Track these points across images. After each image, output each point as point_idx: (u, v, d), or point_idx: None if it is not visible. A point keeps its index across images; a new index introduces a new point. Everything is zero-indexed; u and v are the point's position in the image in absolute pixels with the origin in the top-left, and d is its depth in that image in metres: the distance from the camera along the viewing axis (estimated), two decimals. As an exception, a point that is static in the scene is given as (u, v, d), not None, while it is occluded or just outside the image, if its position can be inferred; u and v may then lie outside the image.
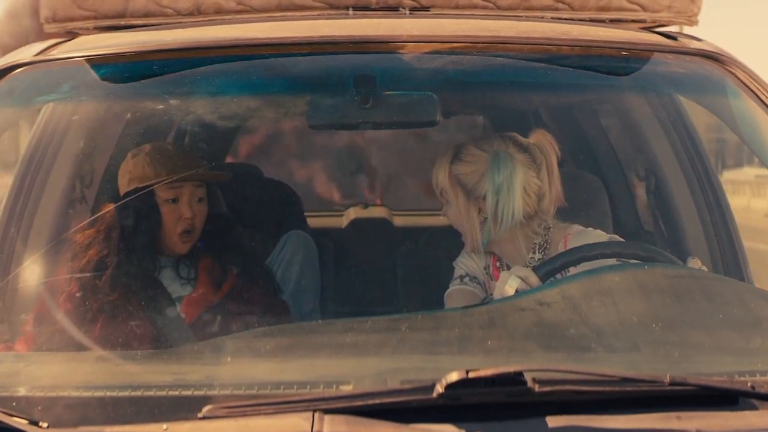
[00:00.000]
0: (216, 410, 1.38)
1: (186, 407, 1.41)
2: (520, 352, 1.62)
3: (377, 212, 3.91)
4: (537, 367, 1.43)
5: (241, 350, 1.64)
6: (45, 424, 1.38)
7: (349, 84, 2.29)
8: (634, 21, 2.38)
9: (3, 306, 2.16)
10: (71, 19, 2.29)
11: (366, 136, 4.12)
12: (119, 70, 2.15)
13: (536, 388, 1.36)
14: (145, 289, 2.22)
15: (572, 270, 2.02)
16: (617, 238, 2.23)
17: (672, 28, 2.46)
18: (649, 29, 2.39)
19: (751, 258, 2.74)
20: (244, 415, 1.38)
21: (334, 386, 1.48)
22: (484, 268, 2.32)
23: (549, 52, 2.13)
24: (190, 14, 2.29)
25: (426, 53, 2.08)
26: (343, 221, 3.85)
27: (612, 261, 2.00)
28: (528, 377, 1.36)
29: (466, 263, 2.32)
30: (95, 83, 2.14)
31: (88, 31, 2.31)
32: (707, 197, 2.81)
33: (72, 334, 2.00)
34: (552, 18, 2.32)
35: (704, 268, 2.19)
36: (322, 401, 1.39)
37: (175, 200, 2.29)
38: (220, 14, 2.29)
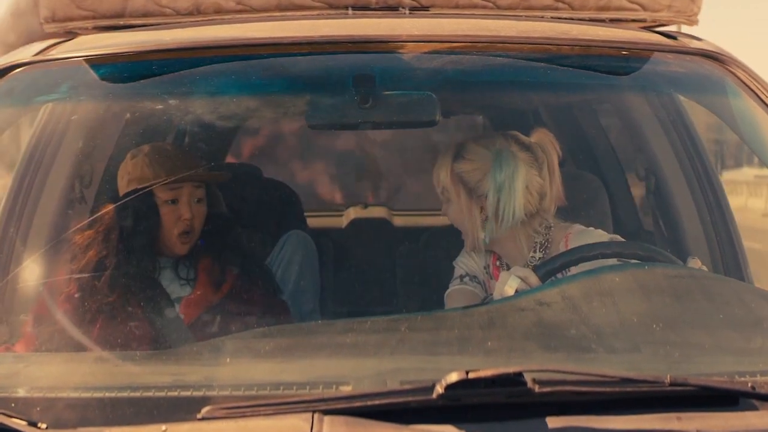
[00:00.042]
0: (215, 411, 1.37)
1: (185, 408, 1.40)
2: (520, 352, 1.61)
3: (377, 212, 3.91)
4: (537, 367, 1.43)
5: (240, 351, 1.64)
6: (44, 425, 1.38)
7: (349, 84, 2.29)
8: (634, 20, 2.38)
9: (2, 307, 2.16)
10: (70, 19, 2.29)
11: (369, 137, 4.12)
12: (118, 70, 2.15)
13: (536, 388, 1.36)
14: (145, 289, 2.22)
15: (572, 270, 2.02)
16: (618, 238, 2.23)
17: (671, 28, 2.46)
18: (649, 29, 2.38)
19: (749, 257, 2.74)
20: (243, 416, 1.37)
21: (334, 387, 1.48)
22: (484, 268, 2.31)
23: (549, 52, 2.13)
24: (190, 14, 2.29)
25: (425, 53, 2.08)
26: (343, 221, 3.85)
27: (612, 261, 2.00)
28: (528, 378, 1.36)
29: (466, 263, 2.32)
30: (94, 83, 2.14)
31: (87, 30, 2.30)
32: (707, 197, 2.80)
33: (71, 334, 2.00)
34: (552, 17, 2.31)
35: (704, 268, 2.19)
36: (321, 402, 1.38)
37: (174, 201, 2.28)
38: (219, 14, 2.29)
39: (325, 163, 4.04)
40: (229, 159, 3.64)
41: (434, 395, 1.34)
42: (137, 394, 1.46)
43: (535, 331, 1.64)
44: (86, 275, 2.16)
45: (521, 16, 2.31)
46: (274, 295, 2.39)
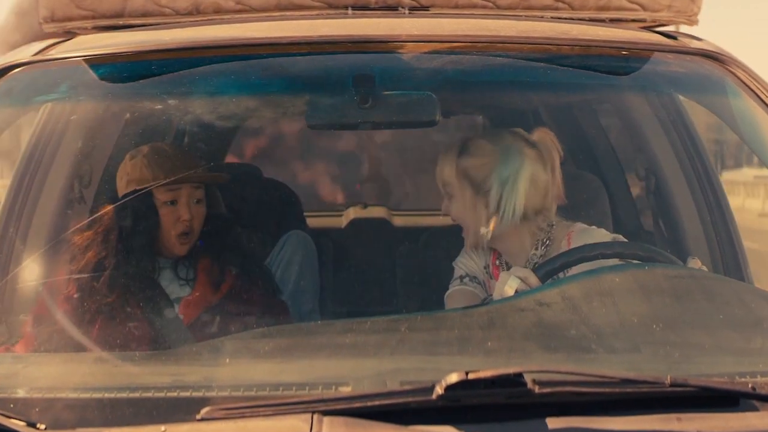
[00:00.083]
0: (214, 412, 1.37)
1: (184, 409, 1.40)
2: (520, 353, 1.61)
3: (376, 212, 3.90)
4: (537, 368, 1.43)
5: (239, 351, 1.63)
6: (43, 426, 1.38)
7: (348, 84, 2.29)
8: (634, 20, 2.38)
9: (1, 307, 2.16)
10: (69, 19, 2.29)
11: (369, 137, 4.11)
12: (118, 69, 2.14)
13: (536, 389, 1.36)
14: (144, 290, 2.21)
15: (572, 270, 2.02)
16: (620, 237, 2.22)
17: (671, 28, 2.46)
18: (649, 29, 2.38)
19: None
20: (242, 416, 1.37)
21: (333, 387, 1.48)
22: (484, 268, 2.31)
23: (549, 52, 2.13)
24: (189, 14, 2.28)
25: (425, 53, 2.08)
26: (343, 221, 3.85)
27: (612, 261, 2.00)
28: (528, 378, 1.36)
29: (465, 263, 2.31)
30: (94, 83, 2.13)
31: (86, 30, 2.30)
32: (707, 197, 2.80)
33: (70, 335, 1.99)
34: (552, 17, 2.31)
35: (704, 268, 2.18)
36: (320, 403, 1.38)
37: (173, 202, 2.28)
38: (218, 14, 2.29)
39: (325, 163, 4.04)
40: (229, 158, 3.63)
41: (434, 396, 1.34)
42: (136, 394, 1.46)
43: (535, 332, 1.64)
44: (85, 276, 2.15)
45: (521, 16, 2.31)
46: (273, 296, 2.39)
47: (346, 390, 1.47)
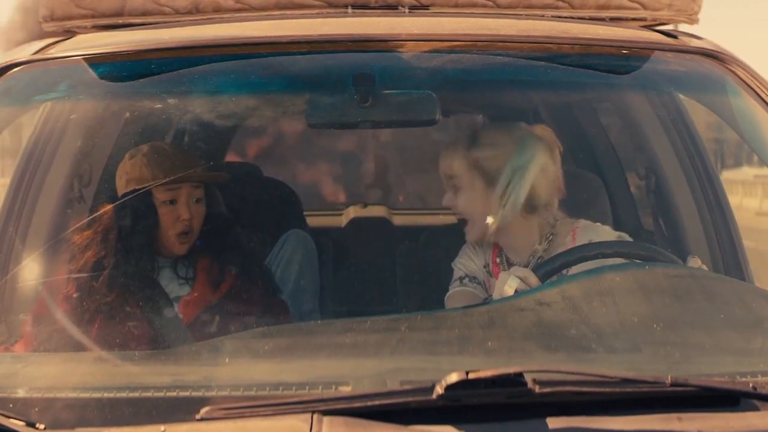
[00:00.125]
0: (214, 411, 1.37)
1: (184, 408, 1.40)
2: (520, 352, 1.61)
3: (376, 211, 3.90)
4: (537, 367, 1.43)
5: (239, 351, 1.63)
6: (42, 426, 1.38)
7: (348, 83, 2.29)
8: (634, 19, 2.38)
9: (1, 306, 2.15)
10: (69, 18, 2.29)
11: (369, 136, 4.11)
12: (117, 68, 2.14)
13: (536, 389, 1.35)
14: (143, 289, 2.21)
15: (572, 270, 2.02)
16: (625, 235, 2.22)
17: (671, 27, 2.46)
18: (649, 27, 2.38)
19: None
20: (242, 416, 1.37)
21: (333, 387, 1.48)
22: (484, 267, 2.30)
23: (549, 51, 2.13)
24: (189, 13, 2.28)
25: (425, 52, 2.08)
26: (343, 220, 3.85)
27: (611, 261, 2.00)
28: (528, 378, 1.36)
29: (465, 264, 2.30)
30: (93, 82, 2.13)
31: (86, 29, 2.30)
32: (707, 196, 2.80)
33: (69, 335, 1.99)
34: (552, 16, 2.31)
35: (704, 267, 2.18)
36: (320, 402, 1.38)
37: (172, 202, 2.28)
38: (218, 13, 2.29)
39: (325, 162, 4.04)
40: (229, 157, 3.63)
41: (434, 396, 1.34)
42: (136, 394, 1.46)
43: (535, 331, 1.63)
44: (85, 275, 2.15)
45: (521, 14, 2.31)
46: (273, 295, 2.38)
47: (346, 390, 1.47)
